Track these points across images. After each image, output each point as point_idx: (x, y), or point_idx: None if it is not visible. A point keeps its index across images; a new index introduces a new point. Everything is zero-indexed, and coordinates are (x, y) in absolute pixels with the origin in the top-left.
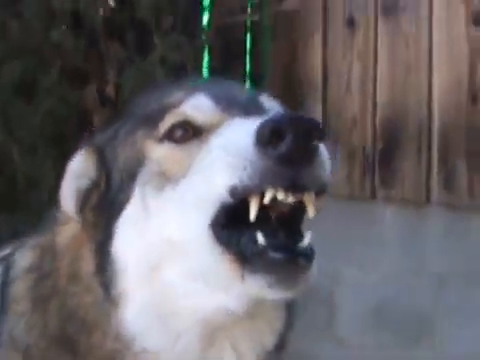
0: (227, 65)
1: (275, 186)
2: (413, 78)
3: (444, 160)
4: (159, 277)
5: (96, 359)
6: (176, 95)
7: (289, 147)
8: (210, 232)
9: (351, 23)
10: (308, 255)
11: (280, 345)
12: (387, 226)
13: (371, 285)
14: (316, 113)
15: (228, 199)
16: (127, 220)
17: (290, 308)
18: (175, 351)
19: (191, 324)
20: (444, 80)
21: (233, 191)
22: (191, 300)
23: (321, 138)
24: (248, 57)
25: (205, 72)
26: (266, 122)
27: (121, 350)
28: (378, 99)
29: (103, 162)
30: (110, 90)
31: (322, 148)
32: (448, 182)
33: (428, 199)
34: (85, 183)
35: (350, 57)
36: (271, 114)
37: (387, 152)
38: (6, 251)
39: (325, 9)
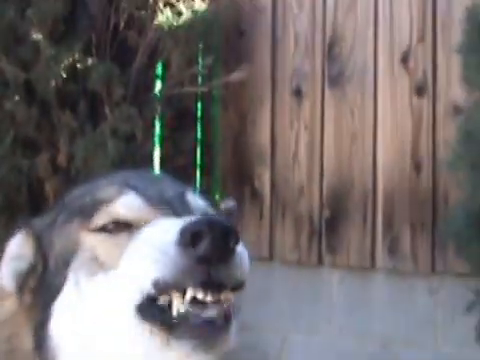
0: (178, 134)
1: (194, 283)
2: (359, 147)
3: (389, 227)
4: (92, 356)
5: None
6: (109, 191)
7: (207, 248)
8: (136, 312)
9: (298, 93)
10: (226, 317)
11: None
12: (334, 291)
13: (318, 349)
14: (264, 181)
15: (151, 291)
16: (62, 303)
17: None
18: None
19: None
20: (388, 149)
21: (156, 284)
22: None
23: (237, 241)
24: (199, 126)
25: (156, 141)
26: (188, 225)
27: None
28: (325, 167)
29: (40, 247)
30: (62, 159)
31: (239, 249)
32: (393, 248)
33: (373, 265)
34: (23, 265)
35: (297, 126)
36: (193, 217)
37: (333, 219)
38: None
39: (273, 79)
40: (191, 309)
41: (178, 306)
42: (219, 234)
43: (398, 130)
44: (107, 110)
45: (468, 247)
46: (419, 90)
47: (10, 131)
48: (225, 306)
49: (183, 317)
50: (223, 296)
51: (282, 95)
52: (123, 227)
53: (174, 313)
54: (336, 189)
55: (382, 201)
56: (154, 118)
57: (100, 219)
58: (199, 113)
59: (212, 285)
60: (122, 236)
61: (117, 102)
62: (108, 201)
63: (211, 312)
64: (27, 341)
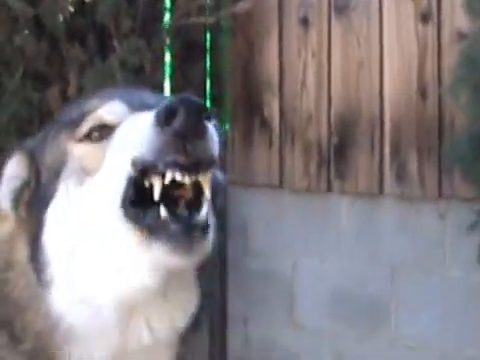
0: (187, 65)
1: (172, 159)
2: (365, 75)
3: (396, 153)
4: (81, 260)
5: (30, 337)
6: (94, 102)
7: (182, 122)
8: (120, 212)
9: (305, 22)
10: (203, 228)
11: (193, 326)
12: (343, 217)
13: (328, 274)
14: (273, 109)
15: (131, 173)
16: (54, 212)
17: (202, 293)
18: (96, 327)
19: (110, 302)
20: (395, 76)
21: (135, 163)
22: (109, 279)
23: (208, 117)
24: (208, 57)
25: (166, 73)
26: (161, 106)
27: (51, 327)
28: (333, 95)
29: (33, 164)
30: (72, 91)
31: (211, 126)
32: (400, 174)
33: (381, 190)
34: (18, 183)
35: (305, 55)
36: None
37: (342, 146)
38: None
39: (280, 9)
40: (171, 216)
41: (159, 197)
42: (192, 110)
43: (404, 57)
44: (116, 42)
45: (473, 170)
46: (424, 17)
47: (20, 66)
48: (204, 211)
49: (163, 220)
50: (201, 177)
51: (289, 24)
52: (107, 133)
53: (156, 196)
54: (344, 116)
55: (389, 127)
56: (163, 50)
57: (85, 126)
58: (208, 44)
59: (189, 165)
60: (106, 142)
61: (125, 34)
62: (93, 110)
63: (186, 213)
64: (23, 253)
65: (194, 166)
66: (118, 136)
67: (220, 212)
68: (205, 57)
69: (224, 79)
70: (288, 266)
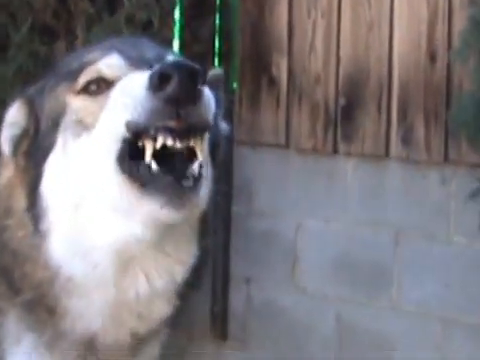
0: (196, 22)
1: (164, 123)
2: (375, 36)
3: (403, 116)
4: (78, 211)
5: (29, 287)
6: (93, 54)
7: (175, 88)
8: (115, 165)
9: None
10: (195, 179)
11: (193, 281)
12: (348, 179)
13: (332, 236)
14: (281, 69)
15: (125, 134)
16: (52, 163)
17: (202, 246)
18: (94, 278)
19: (106, 254)
20: (404, 39)
21: (128, 126)
22: (105, 231)
23: (203, 82)
24: (217, 14)
25: (176, 28)
26: (155, 69)
27: (50, 278)
28: (341, 56)
29: (32, 112)
30: (79, 46)
31: (206, 91)
32: (406, 137)
33: (387, 153)
34: (18, 131)
35: (314, 15)
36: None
37: (349, 108)
38: None
39: None
40: (163, 168)
41: (150, 158)
42: (186, 75)
43: (414, 20)
44: None
45: (478, 136)
46: None
47: (28, 18)
48: (196, 165)
49: (155, 172)
50: (192, 142)
51: None
52: (104, 88)
53: (147, 159)
54: (352, 77)
55: (397, 90)
56: (171, 5)
57: (84, 78)
58: (217, 1)
59: (181, 131)
60: (103, 96)
61: None
62: (92, 63)
63: (181, 169)
64: (21, 202)
65: (186, 131)
66: (113, 95)
67: (225, 169)
68: (214, 14)
69: (233, 37)
70: (292, 227)
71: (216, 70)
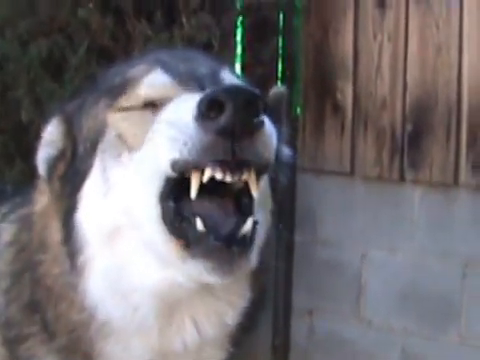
0: (258, 45)
1: (214, 160)
2: (443, 60)
3: (473, 142)
4: (117, 246)
5: (63, 329)
6: (137, 69)
7: (228, 119)
8: (158, 208)
9: (382, 4)
10: (245, 243)
11: (247, 325)
12: (415, 208)
13: (398, 267)
14: (346, 94)
15: (170, 173)
16: (89, 191)
17: (258, 288)
18: (134, 323)
19: (147, 297)
20: (474, 62)
21: (174, 165)
22: (145, 271)
23: (263, 111)
24: (280, 37)
25: (237, 50)
26: (205, 96)
27: (86, 321)
28: (408, 80)
29: (70, 132)
30: None
31: (266, 123)
32: (477, 164)
33: (456, 181)
34: (54, 152)
35: (381, 38)
36: (213, 87)
37: (416, 134)
38: None
39: None
40: (210, 228)
41: (195, 192)
42: (242, 102)
43: None
44: (184, 18)
45: None
46: None
47: (85, 41)
48: (248, 224)
49: (200, 233)
50: (246, 175)
51: (365, 6)
52: (148, 107)
53: (192, 195)
54: (419, 103)
55: (467, 115)
56: (233, 27)
57: (126, 101)
58: (280, 23)
59: (233, 164)
60: (146, 114)
61: (194, 10)
62: (135, 80)
63: (230, 226)
64: (56, 234)
65: (239, 164)
66: (158, 126)
67: (288, 196)
68: (277, 36)
69: (296, 60)
70: (356, 257)
71: (278, 88)
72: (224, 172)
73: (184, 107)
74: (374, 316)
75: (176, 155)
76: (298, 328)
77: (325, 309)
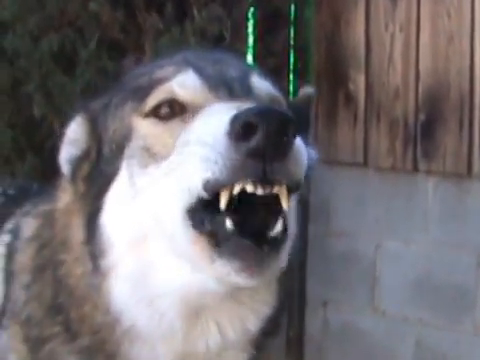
0: (269, 36)
1: (245, 180)
2: (455, 49)
3: None
4: (143, 251)
5: (87, 331)
6: (166, 70)
7: (260, 141)
8: (185, 217)
9: None
10: (276, 243)
11: (270, 330)
12: (429, 198)
13: (412, 258)
14: (359, 84)
15: (202, 192)
16: (115, 195)
17: (281, 294)
18: (160, 328)
19: (174, 302)
20: None
21: (206, 185)
22: (172, 277)
23: (294, 133)
24: (291, 28)
25: (249, 42)
26: (239, 115)
27: (111, 324)
28: (421, 70)
29: (95, 131)
30: (147, 60)
31: (297, 143)
32: None
33: (470, 171)
34: (78, 151)
35: (392, 28)
36: (246, 105)
37: (429, 124)
38: (13, 221)
39: None
40: (239, 227)
41: (225, 206)
42: (274, 126)
43: None
44: (195, 11)
45: None
46: None
47: (95, 34)
48: (279, 224)
49: (231, 233)
50: (277, 190)
51: None
52: (177, 111)
53: (222, 207)
54: (432, 92)
55: (479, 105)
56: (244, 19)
57: (154, 99)
58: (292, 14)
59: (265, 180)
60: (175, 123)
61: (205, 2)
62: (163, 81)
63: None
64: (79, 233)
65: (270, 180)
66: (188, 140)
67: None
68: (288, 28)
69: (308, 51)
70: (370, 248)
71: (307, 89)
72: (255, 185)
73: (216, 123)
74: (388, 307)
75: (208, 175)
76: (313, 319)
77: (339, 300)
